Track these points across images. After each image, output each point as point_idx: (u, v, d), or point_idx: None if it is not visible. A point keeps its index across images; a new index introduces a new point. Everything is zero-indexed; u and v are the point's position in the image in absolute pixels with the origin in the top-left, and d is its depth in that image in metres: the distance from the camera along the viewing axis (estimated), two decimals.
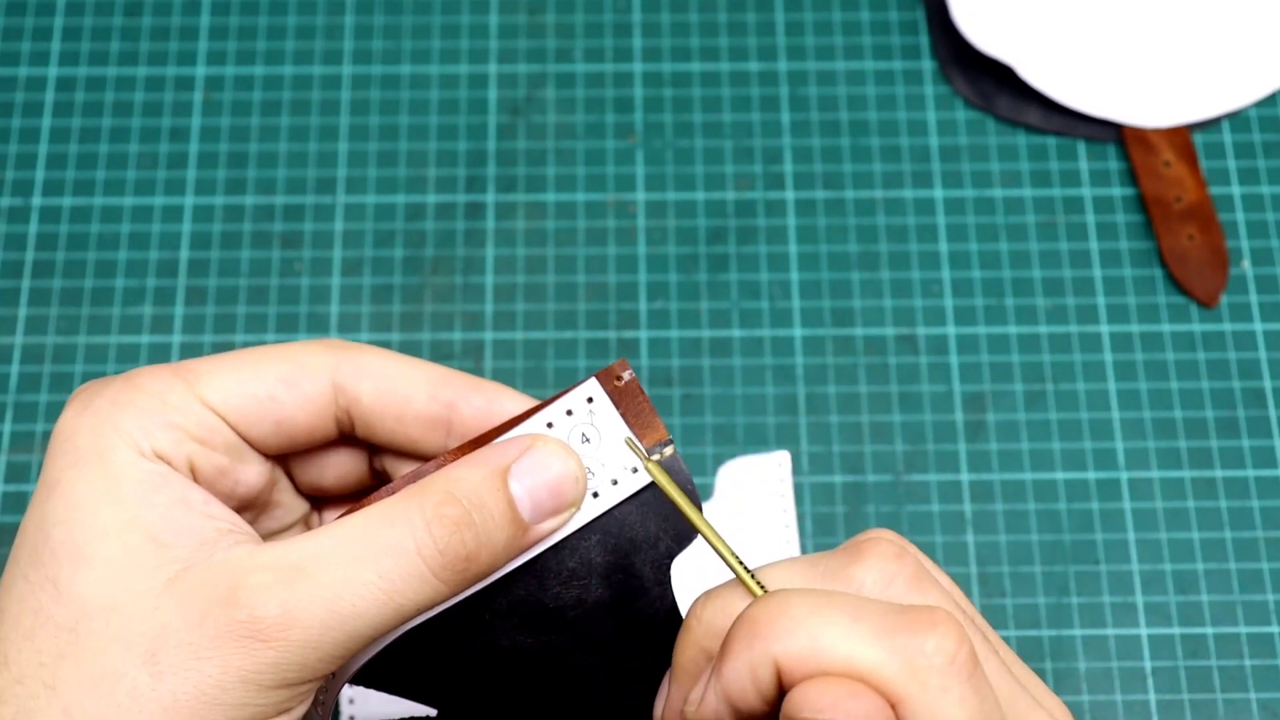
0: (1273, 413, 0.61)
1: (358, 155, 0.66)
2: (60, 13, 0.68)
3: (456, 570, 0.34)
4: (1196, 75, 0.66)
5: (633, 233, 0.64)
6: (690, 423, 0.60)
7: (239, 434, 0.36)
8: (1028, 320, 0.62)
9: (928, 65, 0.67)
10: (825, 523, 0.59)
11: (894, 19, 0.68)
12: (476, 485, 0.34)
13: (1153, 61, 0.66)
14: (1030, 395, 0.61)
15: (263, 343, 0.55)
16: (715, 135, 0.66)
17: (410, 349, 0.61)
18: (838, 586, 0.34)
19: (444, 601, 0.35)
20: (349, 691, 0.53)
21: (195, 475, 0.35)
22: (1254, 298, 0.63)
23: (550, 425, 0.36)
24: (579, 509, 0.36)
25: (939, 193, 0.65)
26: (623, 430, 0.36)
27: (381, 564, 0.33)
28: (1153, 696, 0.56)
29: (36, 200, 0.64)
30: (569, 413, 0.36)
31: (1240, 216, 0.64)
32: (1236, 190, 0.65)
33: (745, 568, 0.34)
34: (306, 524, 0.40)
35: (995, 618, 0.57)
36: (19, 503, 0.58)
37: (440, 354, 0.61)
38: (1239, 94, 0.66)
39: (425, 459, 0.38)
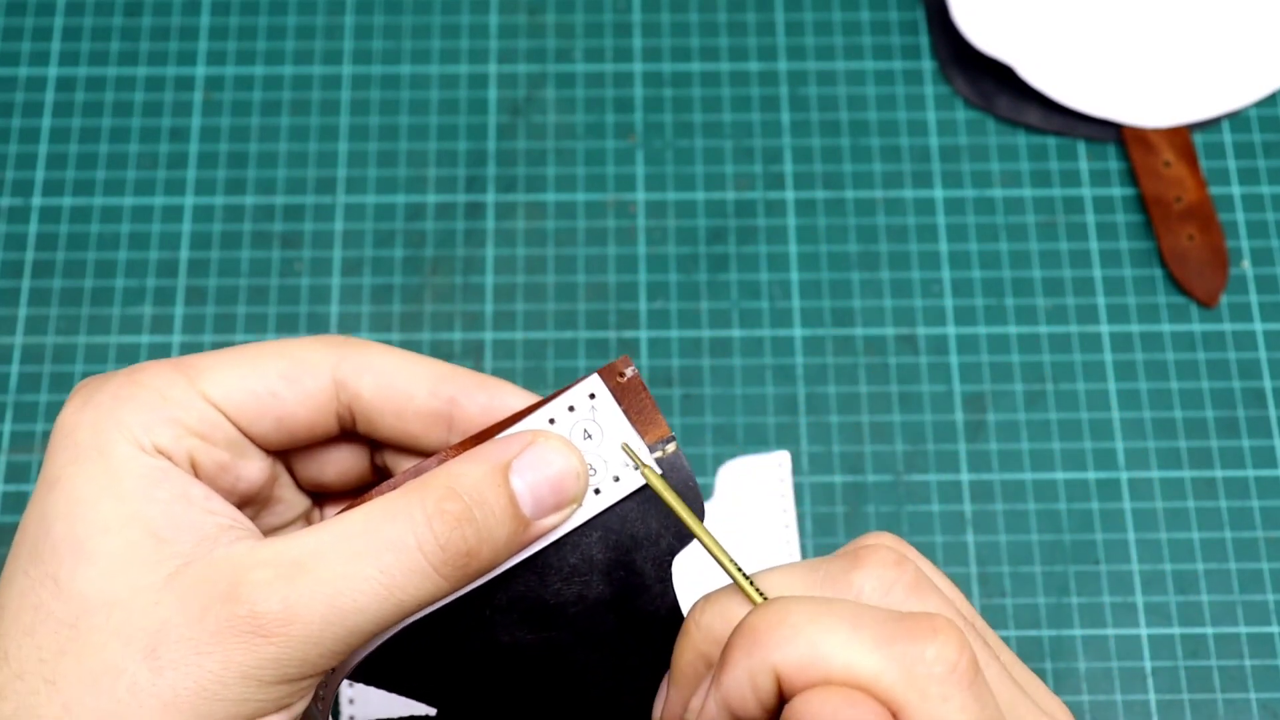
0: (1273, 413, 0.61)
1: (358, 155, 0.66)
2: (60, 13, 0.68)
3: (457, 566, 0.34)
4: (1196, 75, 0.66)
5: (633, 233, 0.64)
6: (690, 423, 0.60)
7: (240, 429, 0.36)
8: (1028, 320, 0.62)
9: (928, 65, 0.67)
10: (825, 523, 0.59)
11: (894, 19, 0.68)
12: (478, 481, 0.34)
13: (1153, 61, 0.66)
14: (1030, 395, 0.61)
15: None
16: (715, 135, 0.66)
17: (410, 349, 0.61)
18: (837, 593, 0.33)
19: (444, 597, 0.34)
20: (348, 691, 0.53)
21: (196, 471, 0.35)
22: (1254, 298, 0.63)
23: (552, 421, 0.36)
24: (580, 505, 0.36)
25: (939, 193, 0.65)
26: (625, 427, 0.36)
27: (382, 559, 0.33)
28: (1153, 696, 0.56)
29: (36, 200, 0.64)
30: (571, 409, 0.36)
31: (1240, 216, 0.64)
32: (1236, 190, 0.65)
33: (744, 574, 0.34)
34: (307, 520, 0.40)
35: (995, 618, 0.57)
36: (19, 502, 0.58)
37: (440, 354, 0.61)
38: (1239, 94, 0.66)
39: (427, 455, 0.38)
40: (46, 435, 0.60)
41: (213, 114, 0.66)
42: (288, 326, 0.62)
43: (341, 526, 0.33)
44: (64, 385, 0.61)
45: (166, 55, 0.67)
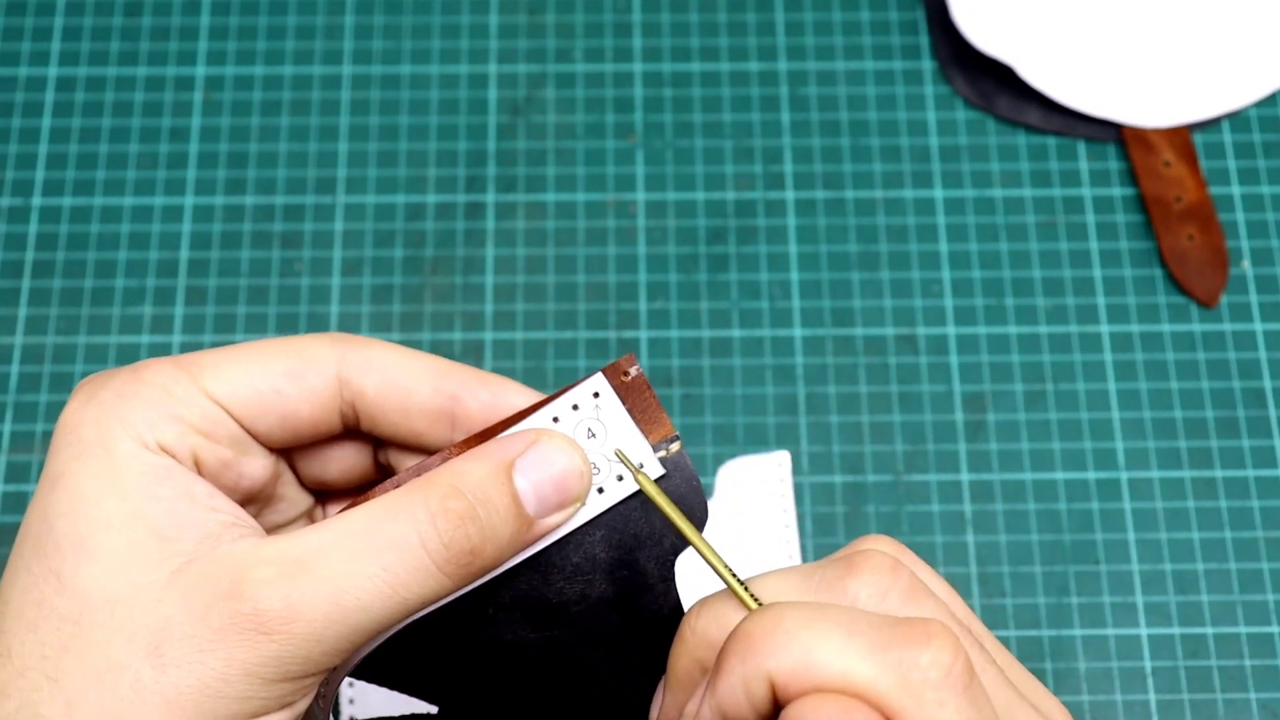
0: (1273, 413, 0.61)
1: (358, 155, 0.66)
2: (60, 13, 0.68)
3: (460, 564, 0.34)
4: (1196, 75, 0.66)
5: (633, 233, 0.64)
6: (690, 423, 0.60)
7: (243, 427, 0.36)
8: (1028, 320, 0.62)
9: (928, 65, 0.68)
10: (825, 523, 0.59)
11: (894, 19, 0.68)
12: (481, 479, 0.34)
13: (1153, 61, 0.66)
14: (1030, 395, 0.61)
15: None
16: (715, 135, 0.66)
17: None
18: (832, 599, 0.33)
19: (447, 595, 0.34)
20: (349, 690, 0.53)
21: (199, 468, 0.35)
22: (1254, 298, 0.63)
23: (556, 420, 0.36)
24: (584, 504, 0.36)
25: (939, 193, 0.65)
26: (629, 426, 0.36)
27: (385, 557, 0.33)
28: (1153, 696, 0.56)
29: (36, 200, 0.64)
30: (575, 407, 0.36)
31: (1240, 216, 0.64)
32: (1236, 190, 0.65)
33: (738, 579, 0.34)
34: (310, 517, 0.40)
35: (995, 618, 0.57)
36: (19, 502, 0.58)
37: (440, 354, 0.61)
38: (1239, 94, 0.66)
39: (430, 453, 0.38)
40: (47, 435, 0.60)
41: (213, 114, 0.66)
42: (288, 326, 0.62)
43: (344, 524, 0.33)
44: (64, 385, 0.61)
45: (166, 55, 0.67)
